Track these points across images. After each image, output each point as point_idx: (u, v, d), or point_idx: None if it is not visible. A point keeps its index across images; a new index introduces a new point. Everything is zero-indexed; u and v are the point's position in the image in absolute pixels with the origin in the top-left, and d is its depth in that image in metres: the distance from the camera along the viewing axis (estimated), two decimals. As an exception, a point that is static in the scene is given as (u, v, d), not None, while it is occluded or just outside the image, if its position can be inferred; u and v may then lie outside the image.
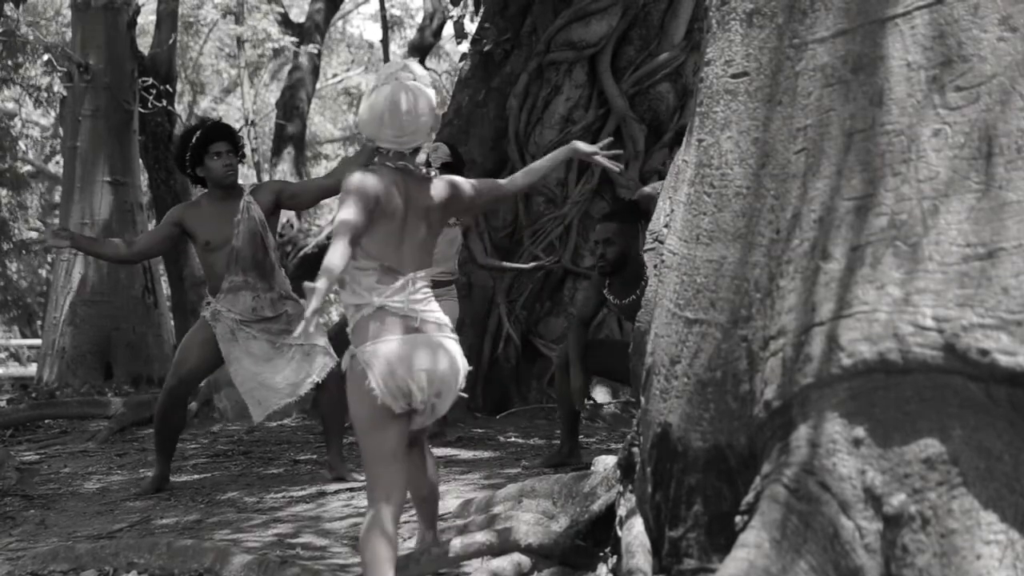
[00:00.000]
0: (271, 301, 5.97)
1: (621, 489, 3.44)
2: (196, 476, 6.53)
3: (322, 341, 6.02)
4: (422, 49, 15.65)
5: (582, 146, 3.90)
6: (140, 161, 12.68)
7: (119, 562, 4.32)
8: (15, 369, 20.93)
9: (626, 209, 6.22)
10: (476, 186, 3.91)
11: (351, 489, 5.74)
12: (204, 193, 6.16)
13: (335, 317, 19.51)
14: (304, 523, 5.05)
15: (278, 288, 6.00)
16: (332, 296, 16.38)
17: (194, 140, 5.93)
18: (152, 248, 6.29)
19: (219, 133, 6.01)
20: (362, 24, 56.21)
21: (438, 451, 6.96)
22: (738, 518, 2.52)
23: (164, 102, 12.73)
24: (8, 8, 10.82)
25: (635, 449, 3.29)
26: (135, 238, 6.18)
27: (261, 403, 5.89)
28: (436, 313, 3.58)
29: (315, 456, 6.90)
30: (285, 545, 4.62)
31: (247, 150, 18.95)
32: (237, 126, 6.41)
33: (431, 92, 3.79)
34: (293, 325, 6.02)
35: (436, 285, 5.96)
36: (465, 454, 6.47)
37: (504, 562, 3.62)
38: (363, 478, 5.86)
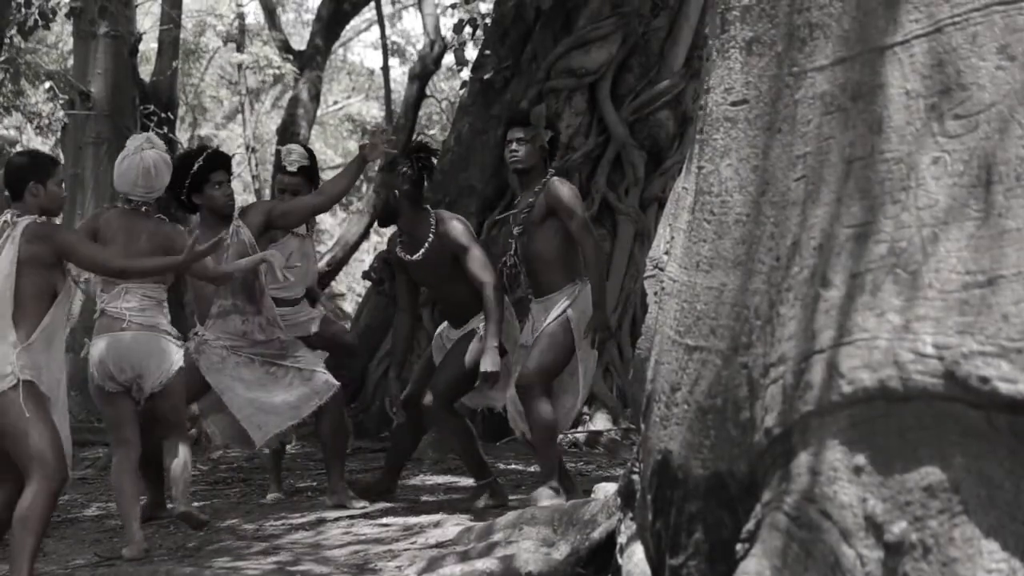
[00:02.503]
0: (260, 326, 5.93)
1: (621, 516, 3.43)
2: (195, 503, 6.51)
3: (320, 365, 6.01)
4: (423, 76, 15.70)
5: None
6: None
7: (118, 590, 4.31)
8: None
9: (394, 161, 6.14)
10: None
11: (351, 516, 5.73)
12: (197, 219, 6.15)
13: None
14: (304, 550, 5.04)
15: (266, 313, 5.95)
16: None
17: (196, 168, 5.91)
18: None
19: (220, 162, 6.00)
20: (363, 52, 56.44)
21: (439, 478, 6.94)
22: (739, 546, 2.51)
23: (165, 129, 12.76)
24: (13, 37, 10.87)
25: (635, 476, 3.28)
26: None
27: (261, 427, 5.86)
28: (146, 316, 5.30)
29: (315, 483, 6.89)
30: (285, 573, 4.60)
31: (248, 176, 18.97)
32: (237, 153, 6.45)
33: (167, 156, 5.48)
34: (288, 351, 6.00)
35: (283, 304, 6.00)
36: (465, 481, 6.46)
37: (504, 590, 3.61)
38: (361, 505, 5.88)
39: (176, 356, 5.40)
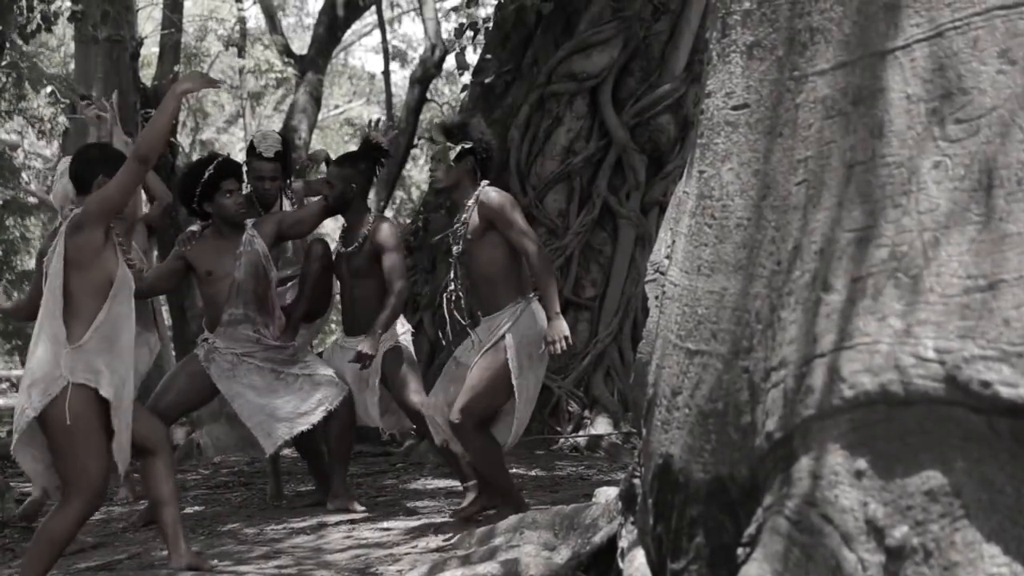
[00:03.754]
0: (271, 333, 5.97)
1: (623, 520, 3.43)
2: (197, 507, 6.51)
3: (329, 371, 6.02)
4: (424, 80, 15.71)
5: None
6: (143, 192, 12.70)
7: (119, 594, 4.31)
8: (15, 399, 20.91)
9: (353, 155, 6.15)
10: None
11: (352, 521, 5.73)
12: (208, 226, 6.15)
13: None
14: (305, 554, 5.04)
15: (277, 321, 5.99)
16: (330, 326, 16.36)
17: (206, 177, 5.92)
18: (159, 283, 6.23)
19: (231, 171, 6.00)
20: (364, 56, 56.48)
21: (440, 482, 6.94)
22: (740, 550, 2.51)
23: (167, 133, 12.77)
24: (16, 41, 10.87)
25: (636, 480, 3.28)
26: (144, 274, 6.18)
27: (271, 434, 5.86)
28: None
29: (316, 486, 6.88)
30: (285, 577, 4.60)
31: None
32: (239, 157, 6.43)
33: None
34: (297, 357, 6.02)
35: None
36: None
37: (505, 594, 3.61)
38: (363, 509, 5.89)
39: None
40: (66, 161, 6.14)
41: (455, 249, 5.39)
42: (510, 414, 5.36)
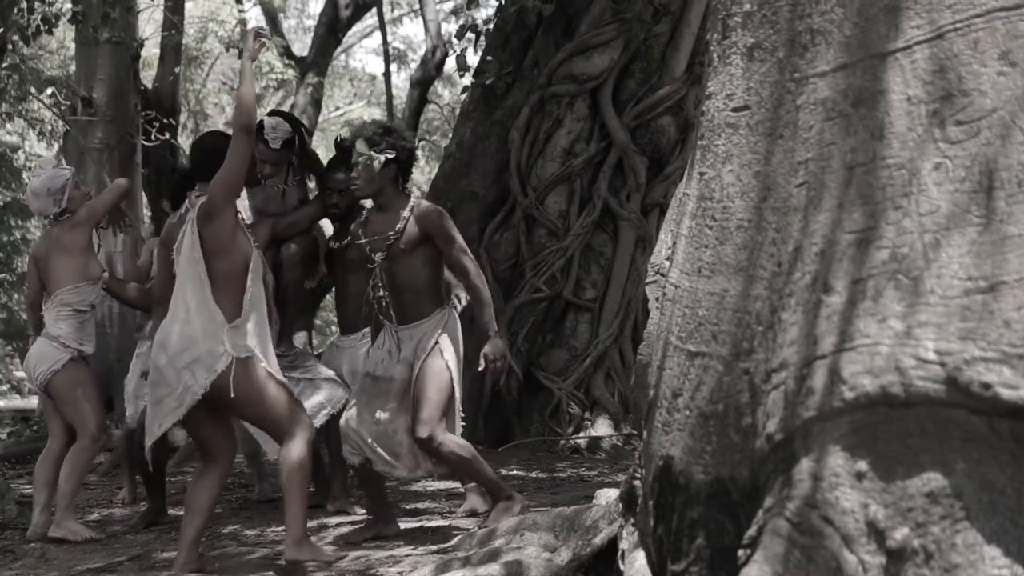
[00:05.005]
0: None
1: (623, 522, 3.43)
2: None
3: (330, 373, 6.02)
4: (424, 82, 15.72)
5: None
6: (143, 194, 12.72)
7: (119, 596, 4.31)
8: (16, 401, 20.89)
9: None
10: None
11: (352, 523, 5.73)
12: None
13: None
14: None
15: (275, 325, 5.97)
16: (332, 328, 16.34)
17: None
18: (167, 292, 6.21)
19: None
20: (365, 57, 56.49)
21: (441, 484, 6.94)
22: (741, 552, 2.51)
23: (167, 135, 12.78)
24: (17, 43, 10.87)
25: (637, 482, 3.28)
26: (151, 286, 6.15)
27: None
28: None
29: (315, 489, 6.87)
30: (286, 579, 4.60)
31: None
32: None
33: (41, 184, 5.99)
34: (299, 362, 6.02)
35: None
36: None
37: (506, 596, 3.61)
38: (363, 511, 5.88)
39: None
40: (47, 166, 6.24)
41: (378, 256, 5.28)
42: (452, 415, 5.37)
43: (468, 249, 5.35)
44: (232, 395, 4.53)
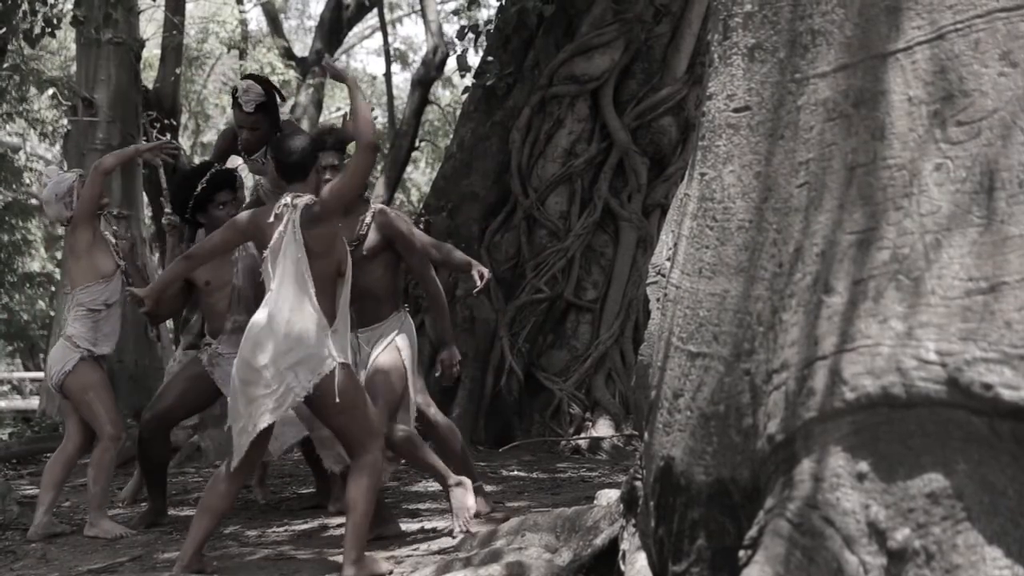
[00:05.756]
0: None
1: (624, 523, 3.43)
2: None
3: None
4: (425, 83, 15.72)
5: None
6: (144, 194, 12.71)
7: (120, 596, 4.31)
8: (17, 402, 20.92)
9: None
10: None
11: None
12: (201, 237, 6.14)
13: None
14: (307, 557, 5.03)
15: None
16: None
17: (199, 190, 5.91)
18: (175, 304, 6.22)
19: (225, 182, 5.97)
20: (366, 58, 56.50)
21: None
22: (742, 552, 2.51)
23: (168, 136, 12.78)
24: (20, 44, 10.87)
25: (638, 483, 3.28)
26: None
27: (278, 438, 5.85)
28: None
29: (316, 489, 6.87)
30: (287, 579, 4.60)
31: (249, 181, 18.99)
32: (238, 161, 6.37)
33: (47, 192, 5.99)
34: None
35: None
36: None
37: (507, 597, 3.61)
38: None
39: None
40: (52, 174, 6.25)
41: None
42: (406, 407, 5.46)
43: (429, 256, 5.49)
44: (336, 400, 4.53)
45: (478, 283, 5.51)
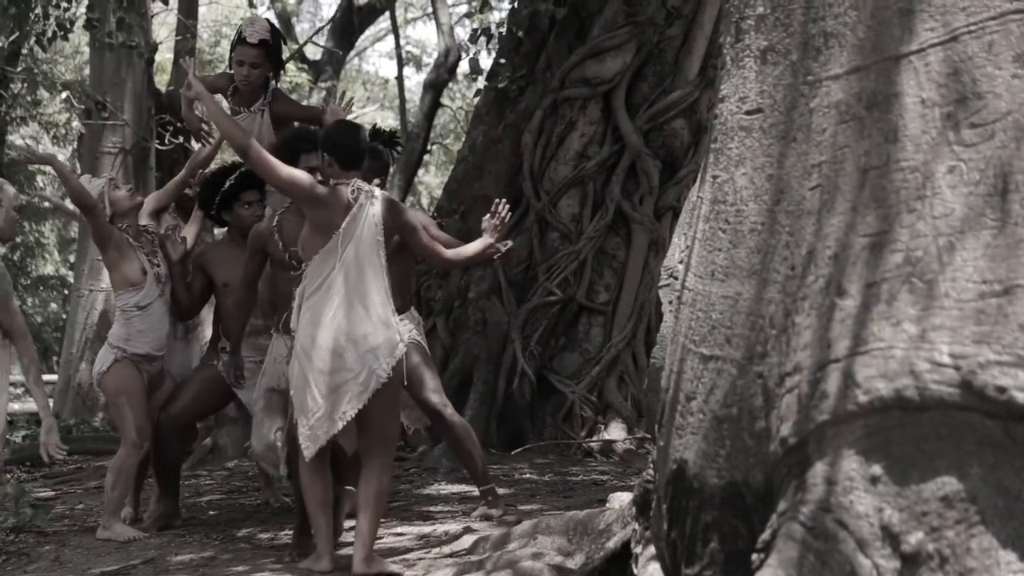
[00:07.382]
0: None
1: (637, 526, 3.42)
2: (211, 512, 6.52)
3: None
4: (437, 86, 15.74)
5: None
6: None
7: (133, 599, 4.32)
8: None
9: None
10: None
11: (351, 526, 5.71)
12: (225, 235, 6.15)
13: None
14: (318, 560, 5.02)
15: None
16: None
17: (227, 186, 5.92)
18: (197, 305, 6.24)
19: (252, 182, 5.97)
20: (378, 61, 56.58)
21: (453, 487, 6.94)
22: (755, 556, 2.50)
23: (181, 139, 12.81)
24: (33, 48, 10.92)
25: (650, 486, 3.27)
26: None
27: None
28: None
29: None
30: (299, 582, 4.60)
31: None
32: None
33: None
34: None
35: None
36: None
37: (519, 600, 3.61)
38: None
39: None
40: (87, 179, 6.27)
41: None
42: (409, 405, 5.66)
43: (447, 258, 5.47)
44: (405, 383, 4.80)
45: (502, 249, 5.43)
